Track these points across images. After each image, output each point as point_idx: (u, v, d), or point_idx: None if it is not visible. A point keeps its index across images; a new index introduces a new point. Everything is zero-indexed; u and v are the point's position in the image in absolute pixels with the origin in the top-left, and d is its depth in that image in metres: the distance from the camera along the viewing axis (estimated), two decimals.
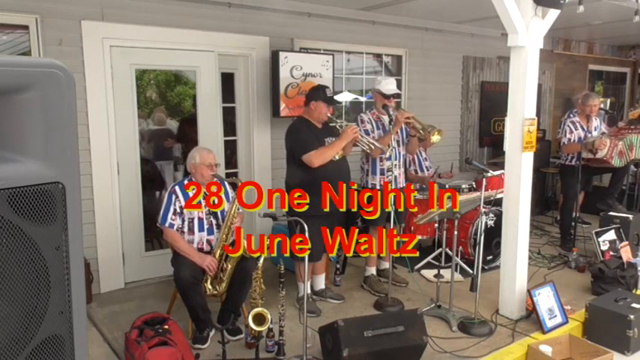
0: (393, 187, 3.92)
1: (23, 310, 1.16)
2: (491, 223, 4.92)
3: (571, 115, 6.03)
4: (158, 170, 5.08)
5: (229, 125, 5.19)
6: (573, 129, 5.44)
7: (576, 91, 7.32)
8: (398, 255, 4.43)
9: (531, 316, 3.79)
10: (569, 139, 5.39)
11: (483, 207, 3.77)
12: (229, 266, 3.50)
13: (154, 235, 4.83)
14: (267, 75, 5.16)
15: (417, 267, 4.83)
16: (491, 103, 7.22)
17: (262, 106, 5.18)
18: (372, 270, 4.52)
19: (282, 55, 5.02)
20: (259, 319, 3.22)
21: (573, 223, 5.46)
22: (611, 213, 5.27)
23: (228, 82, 5.10)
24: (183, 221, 3.54)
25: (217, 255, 3.52)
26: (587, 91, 7.26)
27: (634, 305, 3.66)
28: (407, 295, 4.32)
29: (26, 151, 1.16)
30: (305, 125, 3.90)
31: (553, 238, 5.95)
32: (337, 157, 3.86)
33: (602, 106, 6.31)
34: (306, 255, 3.15)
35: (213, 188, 3.62)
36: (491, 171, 4.06)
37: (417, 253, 4.99)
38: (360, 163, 4.42)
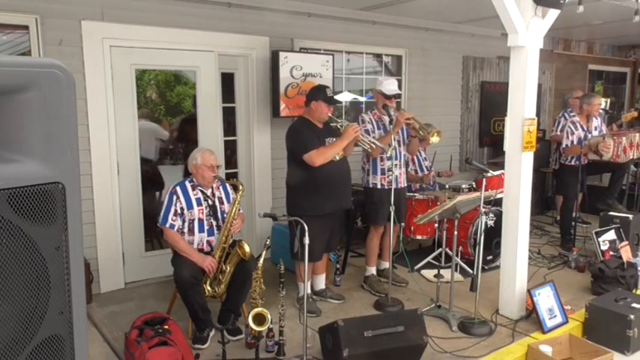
0: (394, 186, 3.93)
1: (23, 310, 1.16)
2: (491, 223, 4.92)
3: (566, 116, 6.03)
4: (158, 170, 5.07)
5: (229, 125, 5.19)
6: (574, 129, 5.43)
7: (572, 91, 7.31)
8: (398, 252, 4.44)
9: (531, 316, 3.79)
10: (572, 142, 5.39)
11: (483, 207, 3.76)
12: (228, 268, 3.50)
13: (154, 235, 4.83)
14: (267, 75, 5.16)
15: (417, 267, 4.83)
16: (492, 103, 7.22)
17: (262, 106, 5.18)
18: (372, 270, 4.52)
19: (282, 55, 5.02)
20: (259, 319, 3.22)
21: (573, 223, 5.46)
22: (611, 213, 5.27)
23: (228, 82, 5.10)
24: (183, 222, 3.54)
25: (217, 256, 3.52)
26: (584, 91, 7.25)
27: (634, 305, 3.66)
28: (407, 295, 4.32)
29: (26, 151, 1.16)
30: (306, 125, 3.90)
31: (553, 238, 5.95)
32: (338, 158, 3.87)
33: (602, 105, 6.32)
34: (306, 255, 3.15)
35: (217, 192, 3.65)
36: (491, 171, 4.06)
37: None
38: (361, 164, 4.43)
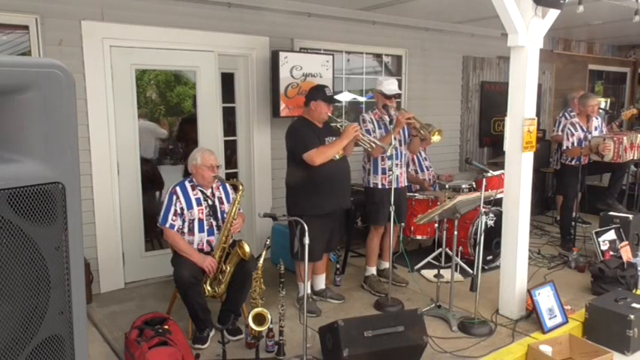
0: (395, 186, 3.93)
1: (23, 310, 1.16)
2: (491, 223, 4.92)
3: (567, 116, 6.04)
4: (158, 170, 5.08)
5: (229, 125, 5.19)
6: (574, 131, 5.44)
7: (574, 91, 7.32)
8: (398, 252, 4.43)
9: (531, 316, 3.79)
10: (572, 143, 5.39)
11: (483, 207, 3.76)
12: (228, 268, 3.50)
13: (153, 235, 4.83)
14: (267, 75, 5.16)
15: (417, 267, 4.83)
16: (491, 103, 7.22)
17: (262, 106, 5.18)
18: (372, 270, 4.52)
19: (282, 55, 5.02)
20: (259, 319, 3.22)
21: (573, 223, 5.46)
22: (611, 213, 5.27)
23: (228, 82, 5.10)
24: (183, 222, 3.54)
25: (217, 256, 3.52)
26: (585, 91, 7.26)
27: (634, 305, 3.66)
28: (407, 295, 4.32)
29: (26, 151, 1.16)
30: (305, 125, 3.90)
31: (553, 238, 5.95)
32: (337, 157, 3.86)
33: (602, 106, 6.33)
34: (306, 255, 3.15)
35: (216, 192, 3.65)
36: (491, 171, 4.06)
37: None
38: (362, 163, 4.43)
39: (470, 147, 7.24)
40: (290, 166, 3.95)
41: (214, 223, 3.61)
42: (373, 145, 4.00)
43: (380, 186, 4.27)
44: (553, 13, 3.72)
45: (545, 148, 6.93)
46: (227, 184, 3.77)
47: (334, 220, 4.05)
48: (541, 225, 6.51)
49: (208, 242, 3.61)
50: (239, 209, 3.66)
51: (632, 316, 3.52)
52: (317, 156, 3.72)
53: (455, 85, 6.96)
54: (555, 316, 3.73)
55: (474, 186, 5.22)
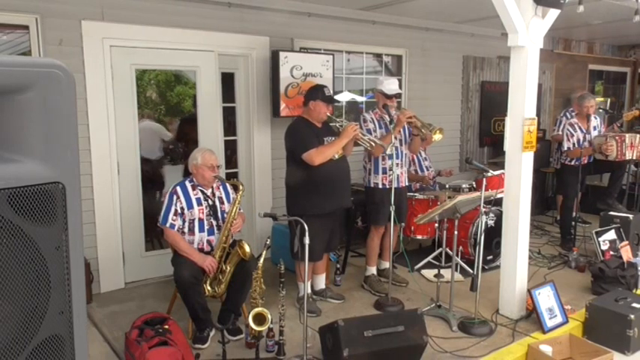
0: (395, 185, 3.93)
1: (23, 310, 1.16)
2: (491, 223, 4.92)
3: (568, 115, 6.05)
4: (158, 170, 5.08)
5: (229, 125, 5.19)
6: (573, 132, 5.46)
7: (576, 90, 7.32)
8: (399, 252, 4.43)
9: (531, 315, 3.79)
10: (573, 144, 5.40)
11: (483, 207, 3.76)
12: (229, 268, 3.50)
13: (154, 234, 4.83)
14: (267, 75, 5.16)
15: (417, 267, 4.83)
16: (491, 103, 7.22)
17: (262, 106, 5.18)
18: (372, 270, 4.52)
19: (282, 55, 5.02)
20: (259, 319, 3.22)
21: (573, 223, 5.47)
22: (611, 213, 5.28)
23: (228, 82, 5.10)
24: (183, 222, 3.54)
25: (217, 256, 3.52)
26: (585, 91, 7.27)
27: (634, 305, 3.66)
28: (407, 295, 4.32)
29: (26, 151, 1.16)
30: (305, 125, 3.90)
31: (553, 238, 5.95)
32: (337, 157, 3.86)
33: (602, 105, 6.32)
34: (306, 254, 3.15)
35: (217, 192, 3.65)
36: (491, 171, 4.06)
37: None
38: (363, 163, 4.43)
39: (470, 147, 7.24)
40: (290, 166, 3.95)
41: (214, 223, 3.61)
42: (373, 144, 4.00)
43: (380, 186, 4.27)
44: (553, 13, 3.72)
45: (545, 148, 6.93)
46: (227, 184, 3.77)
47: (334, 220, 4.05)
48: (541, 225, 6.50)
49: (208, 242, 3.61)
50: (239, 209, 3.66)
51: (632, 316, 3.51)
52: (316, 156, 3.72)
53: (455, 85, 6.96)
54: (555, 315, 3.73)
55: (474, 186, 5.22)
